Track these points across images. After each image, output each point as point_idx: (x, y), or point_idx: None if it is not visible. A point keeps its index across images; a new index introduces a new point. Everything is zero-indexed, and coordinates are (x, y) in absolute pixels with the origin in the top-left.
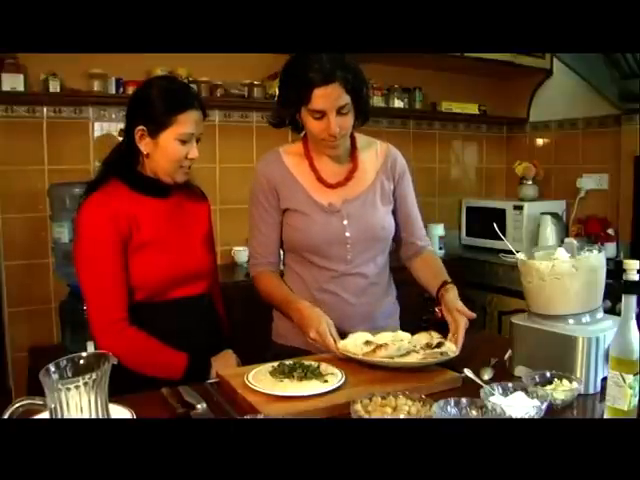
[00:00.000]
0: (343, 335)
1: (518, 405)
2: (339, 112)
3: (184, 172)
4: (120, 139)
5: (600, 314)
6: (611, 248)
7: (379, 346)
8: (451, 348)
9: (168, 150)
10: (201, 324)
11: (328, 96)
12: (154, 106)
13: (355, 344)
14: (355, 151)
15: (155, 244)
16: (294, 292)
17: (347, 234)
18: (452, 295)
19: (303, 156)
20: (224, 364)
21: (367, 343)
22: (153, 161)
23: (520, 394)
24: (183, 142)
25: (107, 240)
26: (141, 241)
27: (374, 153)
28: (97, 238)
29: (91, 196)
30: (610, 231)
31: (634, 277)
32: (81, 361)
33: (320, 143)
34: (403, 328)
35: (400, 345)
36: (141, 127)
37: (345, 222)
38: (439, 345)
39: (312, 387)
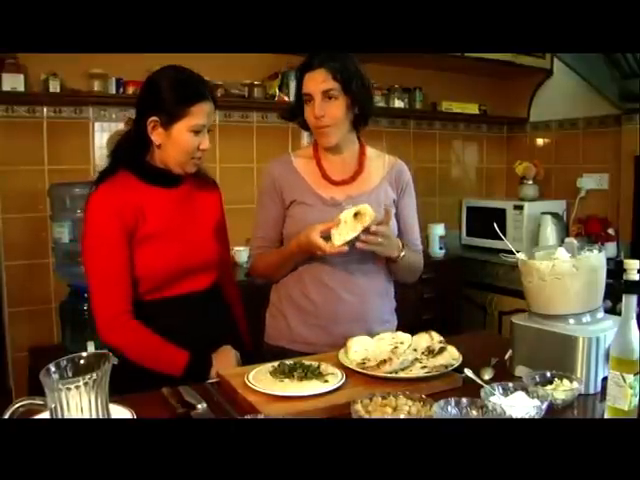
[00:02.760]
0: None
1: (518, 405)
2: (326, 97)
3: (195, 163)
4: (126, 129)
5: (600, 314)
6: (611, 248)
7: (383, 361)
8: (453, 355)
9: (180, 141)
10: (209, 319)
11: (314, 79)
12: (167, 97)
13: (356, 352)
14: (363, 157)
15: (161, 235)
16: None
17: None
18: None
19: (312, 157)
20: (222, 361)
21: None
22: (165, 152)
23: (520, 394)
24: (196, 133)
25: (112, 233)
26: (147, 232)
27: (381, 163)
28: (102, 231)
29: (98, 188)
30: (610, 231)
31: (634, 277)
32: (81, 361)
33: (314, 132)
34: (403, 328)
35: (404, 359)
36: (154, 118)
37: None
38: (441, 350)
39: (312, 387)
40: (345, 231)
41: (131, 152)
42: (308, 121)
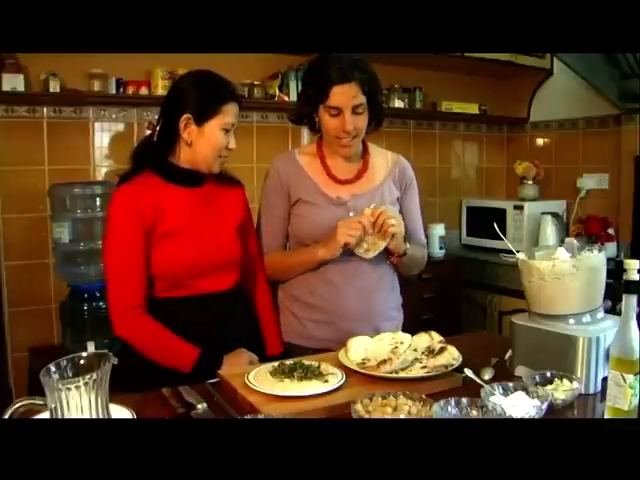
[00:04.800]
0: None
1: (519, 405)
2: (354, 111)
3: (221, 162)
4: (148, 132)
5: (600, 314)
6: (611, 248)
7: (383, 361)
8: (453, 355)
9: (212, 138)
10: (228, 321)
11: (345, 94)
12: (202, 95)
13: (356, 352)
14: (367, 155)
15: (180, 232)
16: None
17: None
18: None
19: (316, 155)
20: (233, 363)
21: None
22: (194, 150)
23: (520, 394)
24: (226, 132)
25: (129, 230)
26: (165, 230)
27: (385, 161)
28: (119, 228)
29: (120, 187)
30: (610, 231)
31: (634, 277)
32: (81, 361)
33: (334, 142)
34: (403, 328)
35: (404, 358)
36: (187, 115)
37: (351, 214)
38: (441, 350)
39: (312, 387)
40: (379, 241)
41: (155, 152)
42: (330, 131)
